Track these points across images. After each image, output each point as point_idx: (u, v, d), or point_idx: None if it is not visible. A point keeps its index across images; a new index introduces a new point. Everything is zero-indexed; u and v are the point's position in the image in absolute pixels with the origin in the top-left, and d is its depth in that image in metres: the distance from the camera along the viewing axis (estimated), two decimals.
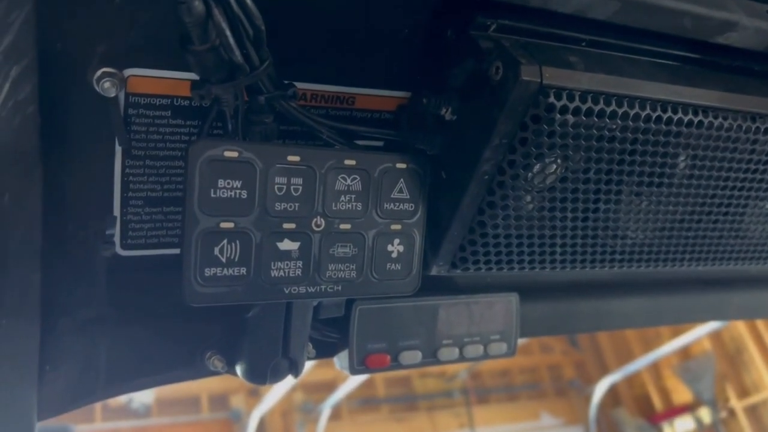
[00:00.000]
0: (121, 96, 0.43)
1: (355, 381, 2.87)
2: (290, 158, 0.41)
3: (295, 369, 0.48)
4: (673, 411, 3.53)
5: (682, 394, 3.53)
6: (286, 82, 0.42)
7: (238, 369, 0.48)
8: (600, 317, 0.68)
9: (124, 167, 0.46)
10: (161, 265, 0.49)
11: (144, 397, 3.10)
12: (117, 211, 0.46)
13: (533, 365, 3.82)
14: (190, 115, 0.46)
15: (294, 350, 0.47)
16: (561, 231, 0.49)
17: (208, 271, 0.40)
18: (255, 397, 3.27)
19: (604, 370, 3.75)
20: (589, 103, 0.42)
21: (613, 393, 3.75)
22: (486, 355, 0.58)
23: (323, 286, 0.44)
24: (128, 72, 0.43)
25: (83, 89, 0.42)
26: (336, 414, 3.35)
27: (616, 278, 0.68)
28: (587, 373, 3.88)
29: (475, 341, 0.57)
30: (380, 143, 0.52)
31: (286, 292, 0.43)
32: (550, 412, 3.72)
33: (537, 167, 0.44)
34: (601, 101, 0.42)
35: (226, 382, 3.30)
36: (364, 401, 3.48)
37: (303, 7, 0.44)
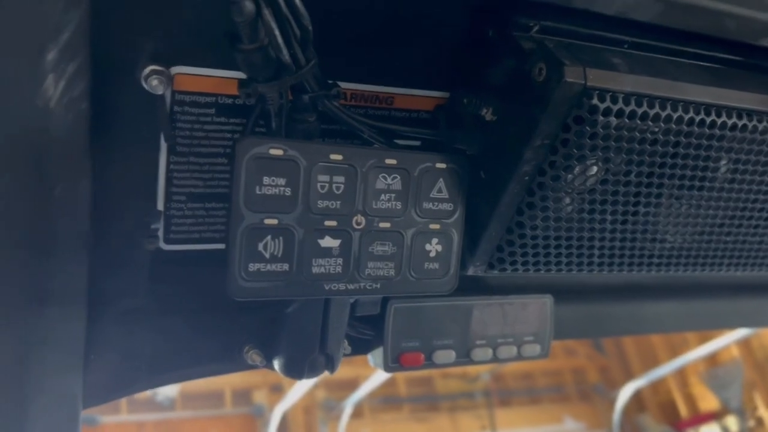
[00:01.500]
0: (168, 93, 0.44)
1: (377, 379, 2.88)
2: (333, 157, 0.42)
3: (331, 365, 0.49)
4: (700, 418, 3.47)
5: (708, 401, 3.47)
6: (330, 81, 0.42)
7: (276, 363, 0.49)
8: (633, 321, 0.68)
9: (168, 163, 0.47)
10: (202, 260, 0.50)
11: (169, 390, 3.14)
12: (161, 206, 0.48)
13: (557, 368, 3.79)
14: (233, 113, 0.47)
15: (331, 346, 0.48)
16: (599, 233, 0.48)
17: (252, 267, 0.41)
18: (277, 393, 3.30)
19: (629, 376, 3.70)
20: (632, 106, 0.42)
21: (637, 399, 3.70)
22: (519, 356, 0.58)
23: (362, 284, 0.45)
24: (175, 70, 0.44)
25: (131, 86, 0.43)
26: (358, 412, 3.36)
27: (650, 282, 0.68)
28: (611, 378, 3.83)
29: (509, 342, 0.57)
30: (417, 143, 0.52)
31: (327, 288, 0.44)
32: (573, 416, 3.68)
33: (577, 169, 0.44)
34: (644, 104, 0.42)
35: (249, 377, 3.33)
36: (385, 400, 3.49)
37: (345, 7, 0.44)
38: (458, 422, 3.53)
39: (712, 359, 3.41)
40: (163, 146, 0.46)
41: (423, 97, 0.52)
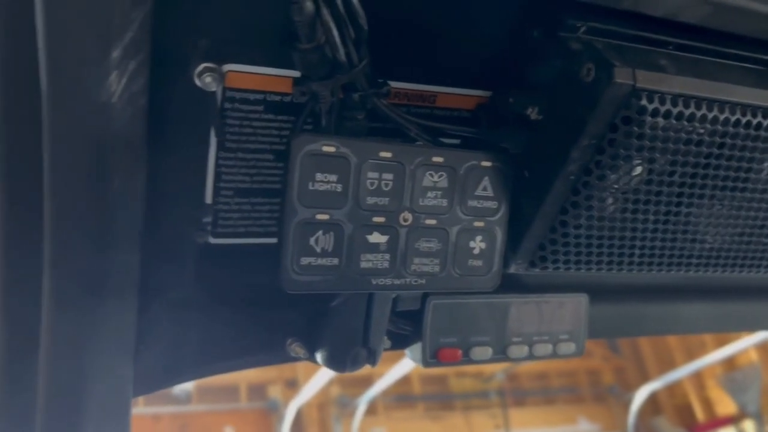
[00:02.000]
0: (219, 90, 0.45)
1: (391, 377, 2.89)
2: (382, 154, 0.43)
3: (373, 358, 0.50)
4: (716, 422, 3.44)
5: (725, 405, 3.45)
6: (380, 80, 0.43)
7: (319, 356, 0.50)
8: (666, 321, 0.68)
9: (217, 159, 0.48)
10: (247, 254, 0.51)
11: (185, 384, 3.17)
12: (209, 201, 0.49)
13: (572, 369, 3.78)
14: (280, 111, 0.48)
15: (373, 340, 0.49)
16: (641, 233, 0.49)
17: (304, 260, 0.42)
18: (292, 388, 3.32)
19: (645, 378, 3.68)
20: (680, 107, 0.42)
21: (653, 401, 3.68)
22: (554, 354, 0.58)
23: (408, 279, 0.45)
24: (227, 67, 0.45)
25: (184, 83, 0.44)
26: (371, 409, 3.37)
27: (683, 282, 0.68)
28: (627, 380, 3.81)
29: (545, 340, 0.58)
30: (457, 141, 0.53)
31: (374, 283, 0.44)
32: (588, 418, 3.67)
33: (622, 168, 0.45)
34: (692, 105, 0.42)
35: (265, 372, 3.36)
36: (399, 398, 3.50)
37: (391, 7, 0.45)
38: (472, 421, 3.53)
39: (730, 363, 3.38)
40: (213, 142, 0.47)
41: (465, 96, 0.52)
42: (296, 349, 0.51)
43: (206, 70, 0.44)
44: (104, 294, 0.42)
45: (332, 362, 0.49)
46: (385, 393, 3.27)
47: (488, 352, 0.56)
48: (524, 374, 3.69)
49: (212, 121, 0.46)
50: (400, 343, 0.55)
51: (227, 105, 0.46)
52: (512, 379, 3.65)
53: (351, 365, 0.49)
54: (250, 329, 0.52)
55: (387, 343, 0.54)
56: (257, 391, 3.40)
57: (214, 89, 0.44)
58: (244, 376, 3.33)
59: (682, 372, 3.33)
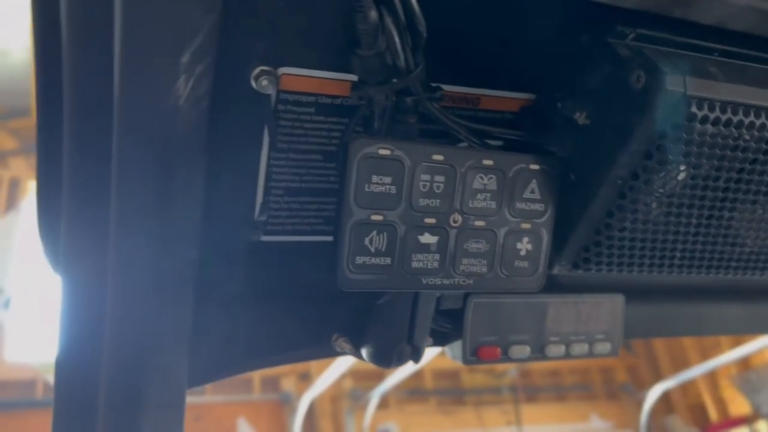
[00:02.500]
0: (274, 93, 0.46)
1: (404, 371, 2.91)
2: (435, 157, 0.44)
3: (417, 355, 0.51)
4: (730, 422, 3.43)
5: (739, 405, 3.44)
6: (433, 84, 0.44)
7: (364, 352, 0.51)
8: (699, 322, 0.69)
9: (269, 159, 0.49)
10: (295, 252, 0.52)
11: None
12: (260, 199, 0.50)
13: (584, 366, 3.78)
14: (330, 113, 0.49)
15: (418, 337, 0.50)
16: (683, 236, 0.50)
17: (359, 260, 0.43)
18: (305, 381, 3.35)
19: (658, 376, 3.67)
20: (729, 114, 0.43)
21: (666, 400, 3.67)
22: (590, 354, 0.59)
23: (456, 279, 0.46)
24: (282, 70, 0.46)
25: (240, 85, 0.45)
26: (384, 403, 3.39)
27: (719, 284, 0.69)
28: (640, 378, 3.81)
29: (581, 340, 0.59)
30: (500, 143, 0.54)
31: (424, 282, 0.46)
32: (600, 415, 3.67)
33: (668, 173, 0.46)
34: (740, 112, 0.43)
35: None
36: (412, 392, 3.52)
37: (440, 11, 0.46)
38: (484, 417, 3.54)
39: (745, 363, 3.37)
40: (266, 142, 0.48)
41: (509, 99, 0.53)
42: (342, 344, 0.52)
43: (262, 73, 0.45)
44: (165, 289, 0.44)
45: (378, 358, 0.50)
46: (398, 387, 3.29)
47: (526, 350, 0.57)
48: (536, 371, 3.69)
49: (266, 123, 0.47)
50: (440, 340, 0.57)
51: (281, 107, 0.47)
52: (524, 376, 3.66)
53: (396, 361, 0.50)
54: (297, 324, 0.53)
55: (428, 340, 0.55)
56: (270, 383, 3.42)
57: (270, 92, 0.45)
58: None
59: (696, 371, 3.32)
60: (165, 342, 0.45)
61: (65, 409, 0.46)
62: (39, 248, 0.48)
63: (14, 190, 3.33)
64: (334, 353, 0.53)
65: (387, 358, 0.50)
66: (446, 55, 0.48)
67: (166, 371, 0.46)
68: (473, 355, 0.55)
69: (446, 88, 0.51)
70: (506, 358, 0.56)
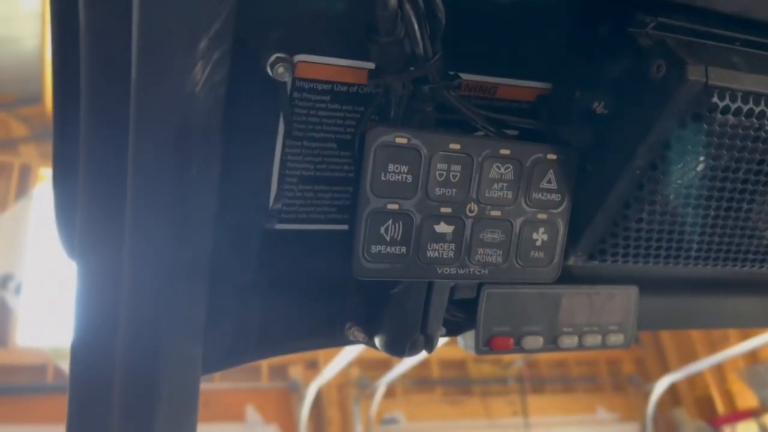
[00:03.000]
0: (289, 80, 0.46)
1: (410, 361, 2.92)
2: (452, 146, 0.44)
3: (430, 344, 0.51)
4: (737, 415, 3.43)
5: (747, 399, 3.43)
6: (450, 72, 0.44)
7: (378, 341, 0.51)
8: (713, 315, 0.69)
9: (284, 147, 0.49)
10: (309, 240, 0.52)
11: None
12: (274, 187, 0.50)
13: (592, 358, 3.78)
14: (345, 101, 0.49)
15: (431, 327, 0.50)
16: (700, 228, 0.49)
17: (374, 248, 0.43)
18: (313, 369, 3.37)
19: (665, 369, 3.67)
20: (750, 104, 0.42)
21: (672, 392, 3.67)
22: (603, 345, 0.59)
23: (471, 269, 0.46)
24: (298, 58, 0.45)
25: (256, 73, 0.45)
26: (390, 392, 3.41)
27: (734, 276, 0.68)
28: (647, 370, 3.81)
29: (594, 331, 0.59)
30: (515, 132, 0.54)
31: (439, 272, 0.45)
32: (606, 407, 3.68)
33: (687, 164, 0.45)
34: (762, 102, 0.42)
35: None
36: (418, 381, 3.53)
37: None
38: (490, 407, 3.55)
39: (753, 356, 3.36)
40: (281, 130, 0.48)
41: (526, 88, 0.53)
42: (355, 333, 0.52)
43: (278, 60, 0.45)
44: (179, 276, 0.44)
45: (391, 347, 0.50)
46: (404, 376, 3.31)
47: (539, 341, 0.57)
48: (543, 362, 3.70)
49: (283, 111, 0.47)
50: (453, 330, 0.57)
51: (296, 95, 0.47)
52: (531, 367, 3.66)
53: (410, 350, 0.50)
54: (311, 313, 0.53)
55: (441, 330, 0.55)
56: (278, 371, 3.45)
57: (285, 79, 0.45)
58: None
59: (703, 364, 3.32)
60: (179, 329, 0.45)
61: (80, 395, 0.46)
62: (54, 235, 0.48)
63: (25, 177, 3.35)
64: (347, 342, 0.53)
65: (400, 347, 0.50)
66: (463, 43, 0.48)
67: (180, 358, 0.46)
68: (486, 345, 0.55)
69: (463, 76, 0.50)
70: (519, 348, 0.56)
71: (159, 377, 0.45)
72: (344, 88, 0.48)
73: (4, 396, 2.95)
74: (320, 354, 3.33)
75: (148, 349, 0.44)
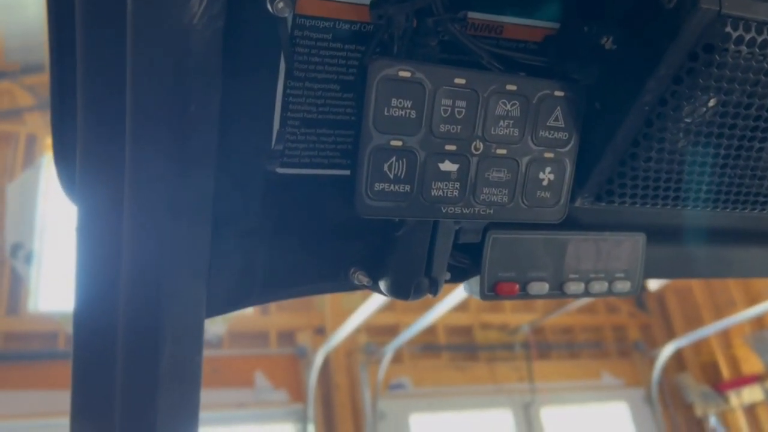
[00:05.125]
0: (290, 17, 0.45)
1: (417, 326, 2.94)
2: (457, 80, 0.43)
3: (435, 288, 0.51)
4: (742, 380, 3.45)
5: (752, 364, 3.45)
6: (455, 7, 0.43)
7: (382, 285, 0.51)
8: (722, 264, 0.68)
9: (285, 87, 0.48)
10: (312, 185, 0.52)
11: (217, 328, 3.26)
12: (276, 130, 0.49)
13: (598, 324, 3.79)
14: (349, 40, 0.48)
15: (436, 270, 0.50)
16: (710, 168, 0.48)
17: (378, 186, 0.42)
18: (320, 335, 3.40)
19: (671, 335, 3.68)
20: (765, 35, 0.41)
21: (678, 358, 3.69)
22: (610, 292, 0.59)
23: (476, 209, 0.46)
24: None
25: (255, 8, 0.44)
26: (397, 357, 3.44)
27: (741, 226, 0.67)
28: (652, 337, 3.82)
29: (600, 278, 0.58)
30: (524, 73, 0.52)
31: (444, 211, 0.45)
32: (612, 373, 3.70)
33: (697, 100, 0.44)
34: None
35: (294, 319, 3.44)
36: (425, 347, 3.56)
37: None
38: (496, 372, 3.58)
39: (759, 322, 3.37)
40: (282, 70, 0.47)
41: (533, 27, 0.51)
42: (360, 277, 0.52)
43: None
44: (181, 215, 0.44)
45: (395, 290, 0.50)
46: (411, 342, 3.34)
47: (545, 287, 0.56)
48: (549, 328, 3.71)
49: (283, 48, 0.46)
50: (458, 276, 0.56)
51: (297, 32, 0.46)
52: (537, 333, 3.68)
53: (414, 294, 0.50)
54: (314, 257, 0.53)
55: (446, 275, 0.55)
56: (286, 337, 3.48)
57: (285, 14, 0.44)
58: (274, 323, 3.41)
59: (709, 330, 3.32)
60: (183, 270, 0.45)
61: (84, 335, 0.46)
62: (54, 176, 0.48)
63: (31, 146, 3.35)
64: (351, 287, 0.53)
65: (405, 291, 0.50)
66: None
67: (184, 299, 0.46)
68: (491, 291, 0.55)
69: (469, 14, 0.49)
70: (524, 294, 0.56)
71: (163, 317, 0.45)
72: (347, 26, 0.47)
73: (17, 362, 3.00)
74: (328, 320, 3.35)
75: (151, 289, 0.44)
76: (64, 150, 0.47)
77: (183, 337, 0.46)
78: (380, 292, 0.51)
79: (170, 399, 0.46)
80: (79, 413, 0.47)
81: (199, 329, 0.47)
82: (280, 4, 0.43)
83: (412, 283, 0.50)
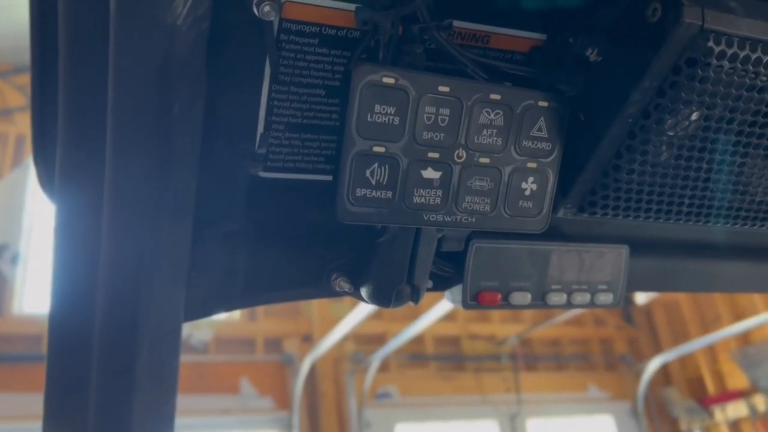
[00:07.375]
0: (276, 21, 0.45)
1: (405, 336, 2.93)
2: (441, 88, 0.43)
3: (416, 295, 0.50)
4: (727, 395, 3.46)
5: (737, 379, 3.46)
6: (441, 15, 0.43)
7: (363, 291, 0.51)
8: (705, 278, 0.68)
9: (270, 91, 0.48)
10: (295, 190, 0.51)
11: (203, 334, 3.24)
12: (260, 132, 0.49)
13: (585, 337, 3.80)
14: (335, 45, 0.47)
15: (418, 277, 0.49)
16: (692, 182, 0.48)
17: (359, 192, 0.42)
18: (308, 343, 3.38)
19: (657, 349, 3.70)
20: (747, 51, 0.41)
21: (664, 372, 3.70)
22: (592, 304, 0.59)
23: (458, 217, 0.46)
24: None
25: (241, 11, 0.44)
26: (384, 366, 3.43)
27: (725, 240, 0.68)
28: (639, 350, 3.83)
29: (583, 289, 0.58)
30: (510, 84, 0.52)
31: (425, 218, 0.45)
32: (598, 385, 3.70)
33: (680, 113, 0.44)
34: (759, 49, 0.41)
35: (281, 326, 3.42)
36: (412, 357, 3.55)
37: None
38: (483, 383, 3.58)
39: (745, 338, 3.38)
40: (267, 74, 0.47)
41: (519, 38, 0.52)
42: (341, 283, 0.51)
43: None
44: (161, 216, 0.43)
45: (377, 297, 0.50)
46: (399, 351, 3.33)
47: (527, 297, 0.56)
48: (537, 340, 3.72)
49: (268, 52, 0.45)
50: (441, 284, 0.56)
51: (283, 36, 0.46)
52: (524, 344, 3.68)
53: (395, 301, 0.49)
54: (296, 263, 0.52)
55: (429, 283, 0.54)
56: (273, 344, 3.46)
57: (271, 18, 0.44)
58: (261, 330, 3.39)
59: (696, 345, 3.34)
60: (161, 271, 0.44)
61: (60, 337, 0.46)
62: (35, 175, 0.47)
63: (21, 146, 3.33)
64: (333, 293, 0.53)
65: (386, 298, 0.49)
66: None
67: (162, 302, 0.45)
68: (473, 300, 0.55)
69: (456, 24, 0.49)
70: (506, 304, 0.56)
71: (140, 320, 0.44)
72: (333, 32, 0.47)
73: (0, 364, 2.97)
74: (315, 328, 3.34)
75: (128, 291, 0.43)
76: (44, 147, 0.47)
77: (160, 340, 0.46)
78: (361, 298, 0.51)
79: (146, 402, 0.46)
80: (52, 416, 0.46)
81: (177, 332, 0.47)
82: (266, 8, 0.43)
83: (394, 290, 0.49)
